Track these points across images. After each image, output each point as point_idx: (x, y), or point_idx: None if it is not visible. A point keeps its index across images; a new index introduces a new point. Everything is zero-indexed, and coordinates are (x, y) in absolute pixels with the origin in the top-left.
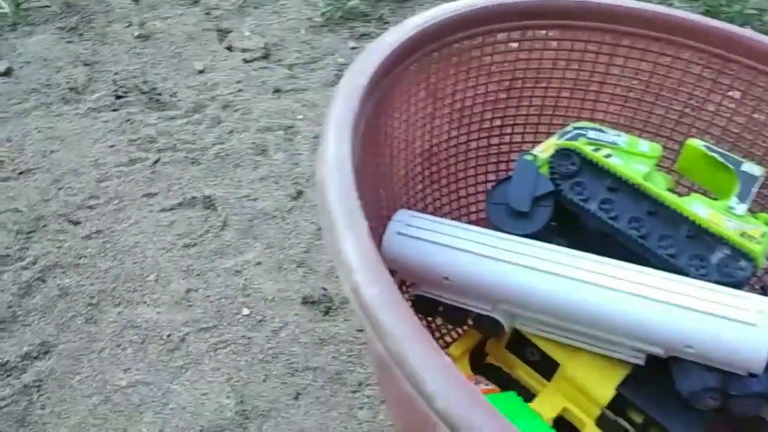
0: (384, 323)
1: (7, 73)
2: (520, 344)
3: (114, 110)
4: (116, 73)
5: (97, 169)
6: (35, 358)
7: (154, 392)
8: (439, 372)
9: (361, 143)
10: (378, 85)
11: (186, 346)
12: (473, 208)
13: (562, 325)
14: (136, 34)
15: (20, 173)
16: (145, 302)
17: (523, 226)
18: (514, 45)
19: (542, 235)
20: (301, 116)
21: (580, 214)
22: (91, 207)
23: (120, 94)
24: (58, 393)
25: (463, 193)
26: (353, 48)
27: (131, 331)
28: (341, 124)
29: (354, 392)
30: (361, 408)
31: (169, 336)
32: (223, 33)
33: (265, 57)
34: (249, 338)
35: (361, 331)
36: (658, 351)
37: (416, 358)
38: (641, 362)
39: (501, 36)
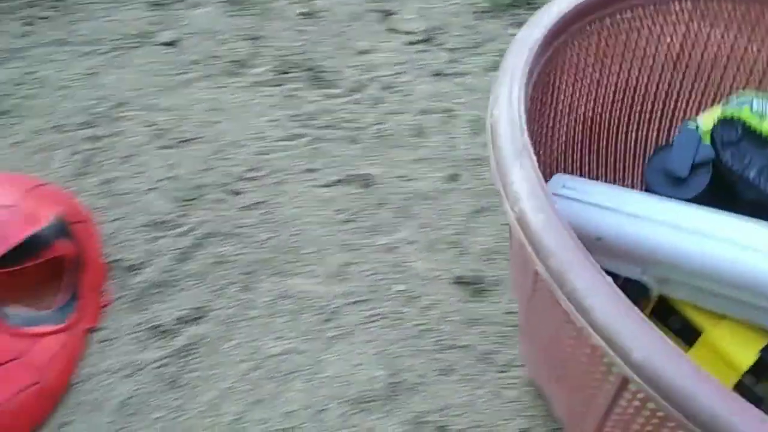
0: (549, 245)
1: (173, 43)
2: (663, 312)
3: (276, 85)
4: (279, 49)
5: (258, 142)
6: (189, 322)
7: (306, 361)
8: (599, 289)
9: (531, 97)
10: (551, 43)
11: (339, 317)
12: (629, 180)
13: (711, 289)
14: (300, 11)
15: (182, 141)
16: (300, 273)
17: (680, 191)
18: (686, 14)
19: (698, 202)
20: (460, 100)
21: (737, 182)
22: (251, 179)
23: (283, 69)
24: (210, 358)
25: (620, 164)
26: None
27: (286, 301)
28: (515, 70)
29: (501, 372)
30: (507, 388)
31: (322, 307)
32: (386, 14)
33: (427, 40)
34: (401, 314)
35: (510, 313)
36: None
37: (578, 276)
38: None
39: (675, 6)
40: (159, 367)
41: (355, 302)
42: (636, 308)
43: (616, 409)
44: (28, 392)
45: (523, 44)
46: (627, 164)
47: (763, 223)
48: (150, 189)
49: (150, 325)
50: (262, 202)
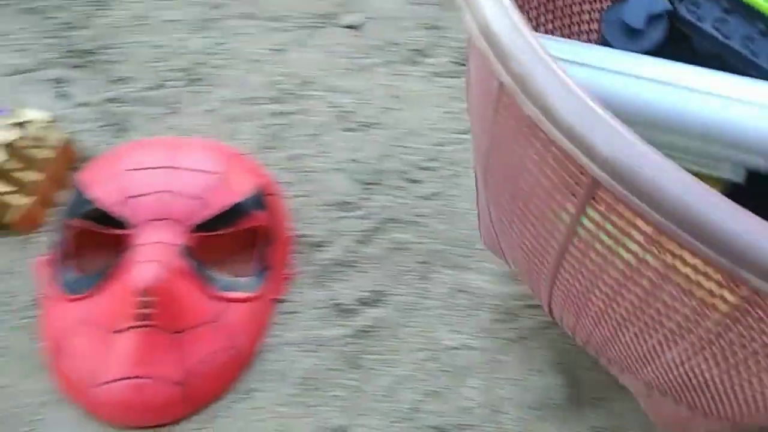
0: (514, 50)
1: (355, 27)
2: None
3: (454, 77)
4: (458, 41)
5: (435, 133)
6: (369, 304)
7: (481, 358)
8: (562, 90)
9: None
10: None
11: (515, 319)
12: (585, 38)
13: (661, 139)
14: None
15: (363, 125)
16: (474, 269)
17: (636, 43)
18: None
19: (656, 55)
20: None
21: (693, 35)
22: (429, 169)
23: (461, 61)
24: (388, 342)
25: (576, 19)
26: None
27: (461, 295)
28: None
29: None
30: None
31: (497, 306)
32: None
33: None
34: None
35: None
36: (759, 162)
37: (543, 78)
38: (741, 179)
39: None
40: (340, 345)
41: (530, 306)
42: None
43: (575, 239)
44: (222, 355)
45: None
46: (582, 24)
47: (717, 72)
48: (333, 169)
49: (332, 303)
50: (439, 193)
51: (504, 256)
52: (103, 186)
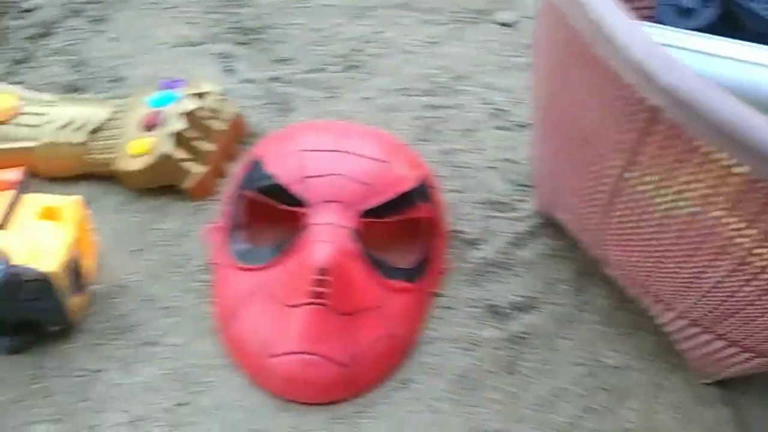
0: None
1: (510, 24)
2: None
3: None
4: None
5: None
6: (524, 310)
7: (642, 381)
8: (634, 32)
9: None
10: None
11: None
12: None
13: None
14: None
15: (518, 125)
16: None
17: (688, 22)
18: None
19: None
20: None
21: (743, 14)
22: None
23: None
24: (544, 352)
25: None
26: None
27: (619, 314)
28: None
29: None
30: None
31: (658, 328)
32: None
33: None
34: None
35: None
36: None
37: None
38: None
39: None
40: (495, 348)
41: None
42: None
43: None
44: (384, 342)
45: None
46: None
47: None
48: (487, 167)
49: (486, 303)
50: None
51: (558, 213)
52: (282, 163)
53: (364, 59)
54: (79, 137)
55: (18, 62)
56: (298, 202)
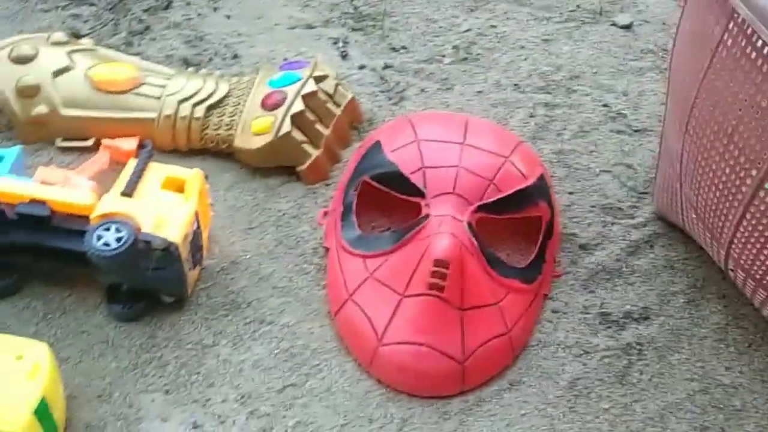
0: None
1: (627, 26)
2: None
3: None
4: None
5: None
6: (636, 320)
7: (758, 403)
8: None
9: None
10: None
11: None
12: None
13: None
14: None
15: (636, 130)
16: (750, 305)
17: None
18: None
19: None
20: None
21: None
22: None
23: None
24: (657, 364)
25: None
26: None
27: (734, 331)
28: None
29: None
30: None
31: None
32: None
33: None
34: None
35: None
36: None
37: None
38: None
39: None
40: (607, 357)
41: None
42: None
43: None
44: (498, 341)
45: None
46: None
47: None
48: (603, 171)
49: (598, 310)
50: None
51: (680, 212)
52: (401, 151)
53: (478, 52)
54: (199, 112)
55: (136, 34)
56: (414, 191)
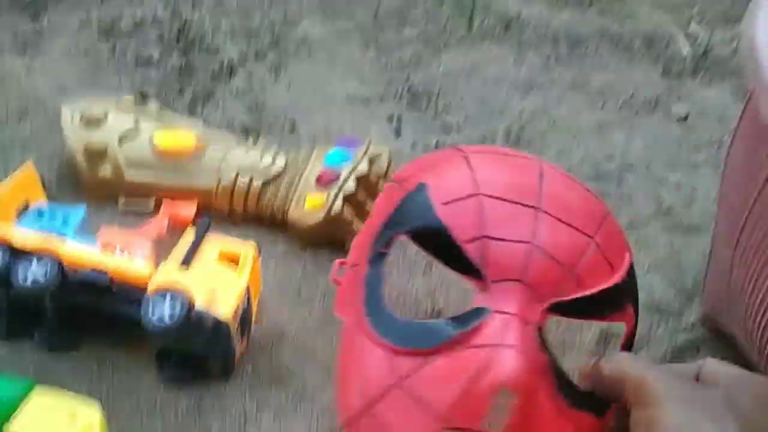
0: None
1: (683, 118)
2: None
3: None
4: None
5: None
6: None
7: None
8: None
9: None
10: None
11: None
12: None
13: None
14: None
15: (687, 228)
16: None
17: None
18: None
19: None
20: None
21: None
22: None
23: None
24: None
25: None
26: None
27: None
28: None
29: None
30: None
31: None
32: None
33: None
34: None
35: None
36: None
37: None
38: None
39: None
40: None
41: None
42: None
43: None
44: None
45: None
46: None
47: None
48: (651, 267)
49: None
50: None
51: (729, 319)
52: (457, 208)
53: (531, 135)
54: (256, 184)
55: (200, 99)
56: (467, 268)
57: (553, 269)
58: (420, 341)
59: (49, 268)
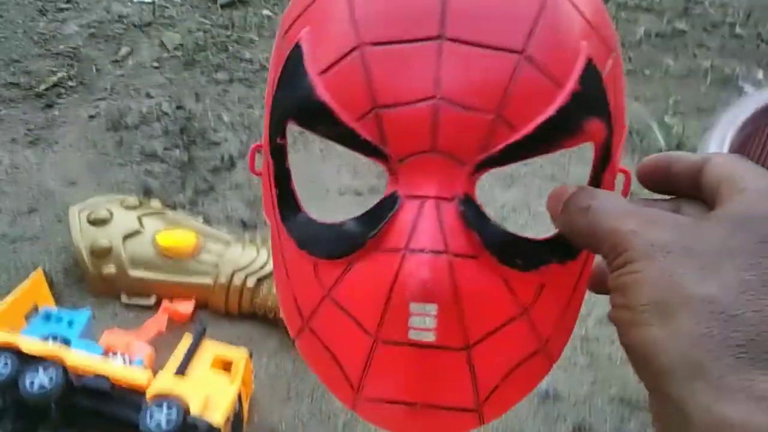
0: None
1: None
2: None
3: None
4: None
5: None
6: None
7: None
8: None
9: None
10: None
11: None
12: None
13: None
14: None
15: None
16: None
17: None
18: None
19: None
20: None
21: None
22: None
23: None
24: None
25: None
26: None
27: None
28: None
29: None
30: None
31: None
32: None
33: None
34: None
35: None
36: None
37: None
38: None
39: None
40: None
41: None
42: None
43: None
44: (528, 363)
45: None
46: None
47: None
48: (625, 362)
49: None
50: None
51: None
52: (338, 73)
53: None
54: (251, 282)
55: (201, 193)
56: (368, 149)
57: (469, 121)
58: (335, 248)
59: (54, 375)
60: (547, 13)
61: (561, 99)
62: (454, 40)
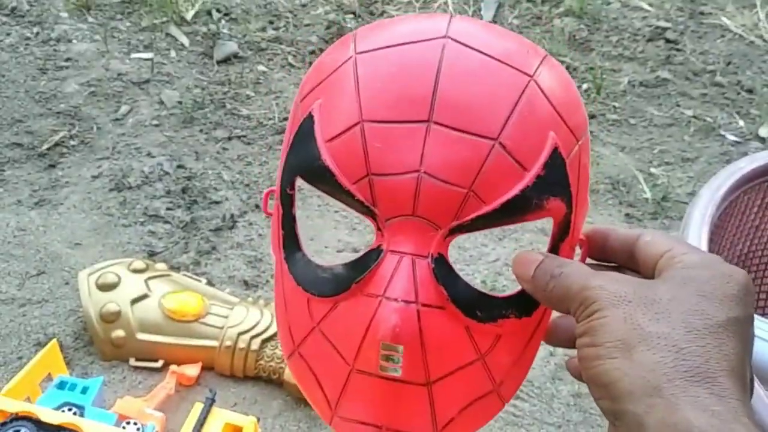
0: None
1: None
2: None
3: None
4: None
5: None
6: None
7: None
8: None
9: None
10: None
11: None
12: None
13: None
14: None
15: None
16: None
17: None
18: None
19: None
20: None
21: None
22: None
23: None
24: None
25: None
26: None
27: None
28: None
29: None
30: None
31: None
32: None
33: None
34: None
35: None
36: None
37: None
38: None
39: None
40: None
41: None
42: None
43: None
44: (481, 401)
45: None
46: None
47: None
48: None
49: None
50: None
51: None
52: (341, 144)
53: (504, 284)
54: (255, 344)
55: (203, 253)
56: (362, 208)
57: (445, 193)
58: (325, 288)
59: None
60: (522, 107)
61: (525, 181)
62: (440, 124)
